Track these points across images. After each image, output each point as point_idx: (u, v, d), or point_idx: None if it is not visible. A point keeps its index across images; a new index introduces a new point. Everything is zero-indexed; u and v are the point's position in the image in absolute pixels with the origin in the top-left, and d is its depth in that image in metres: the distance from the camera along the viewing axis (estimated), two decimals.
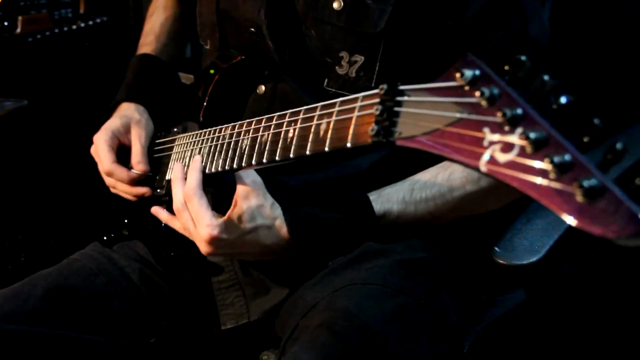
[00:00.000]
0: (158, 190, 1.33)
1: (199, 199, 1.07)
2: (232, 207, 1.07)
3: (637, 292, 1.50)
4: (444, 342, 1.08)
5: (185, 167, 1.19)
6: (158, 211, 1.24)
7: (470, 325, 1.19)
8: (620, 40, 1.39)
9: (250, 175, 1.07)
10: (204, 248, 1.09)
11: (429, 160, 1.17)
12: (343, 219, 1.10)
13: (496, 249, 1.05)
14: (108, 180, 1.38)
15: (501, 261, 1.03)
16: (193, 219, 1.08)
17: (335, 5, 1.14)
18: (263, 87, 1.26)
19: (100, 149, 1.35)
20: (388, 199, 1.12)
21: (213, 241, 1.07)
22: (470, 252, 1.26)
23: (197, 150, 1.19)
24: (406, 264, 1.12)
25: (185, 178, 1.13)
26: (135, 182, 1.34)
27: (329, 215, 1.10)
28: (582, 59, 1.40)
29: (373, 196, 1.12)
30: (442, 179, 1.12)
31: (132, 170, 1.34)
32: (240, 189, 1.07)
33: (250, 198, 1.07)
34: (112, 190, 1.38)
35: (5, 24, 1.96)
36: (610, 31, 1.39)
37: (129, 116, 1.40)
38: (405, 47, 1.14)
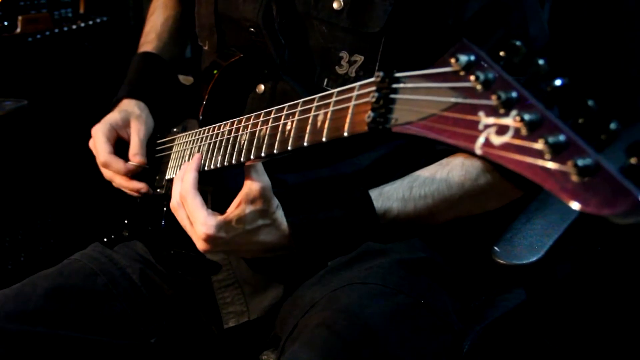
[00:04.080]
0: (158, 190, 1.33)
1: (193, 197, 1.07)
2: (234, 207, 1.06)
3: (637, 292, 1.51)
4: (444, 341, 1.08)
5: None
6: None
7: (470, 325, 1.19)
8: (619, 40, 1.39)
9: (260, 178, 1.04)
10: (200, 245, 1.09)
11: (428, 158, 1.17)
12: (344, 218, 1.09)
13: (496, 248, 1.05)
14: (105, 173, 1.37)
15: (501, 261, 1.03)
16: (189, 217, 1.09)
17: (335, 5, 1.14)
18: (262, 87, 1.26)
19: (98, 140, 1.35)
20: (388, 197, 1.12)
21: (209, 239, 1.06)
22: (470, 252, 1.26)
23: (197, 148, 1.19)
24: (406, 264, 1.12)
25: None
26: (132, 174, 1.34)
27: (331, 214, 1.09)
28: (581, 59, 1.40)
29: (374, 194, 1.12)
30: (441, 176, 1.12)
31: (129, 162, 1.34)
32: (247, 191, 1.04)
33: (256, 202, 1.05)
34: (113, 184, 1.38)
35: (5, 24, 1.95)
36: (609, 31, 1.39)
37: (129, 111, 1.40)
38: (404, 46, 1.14)
